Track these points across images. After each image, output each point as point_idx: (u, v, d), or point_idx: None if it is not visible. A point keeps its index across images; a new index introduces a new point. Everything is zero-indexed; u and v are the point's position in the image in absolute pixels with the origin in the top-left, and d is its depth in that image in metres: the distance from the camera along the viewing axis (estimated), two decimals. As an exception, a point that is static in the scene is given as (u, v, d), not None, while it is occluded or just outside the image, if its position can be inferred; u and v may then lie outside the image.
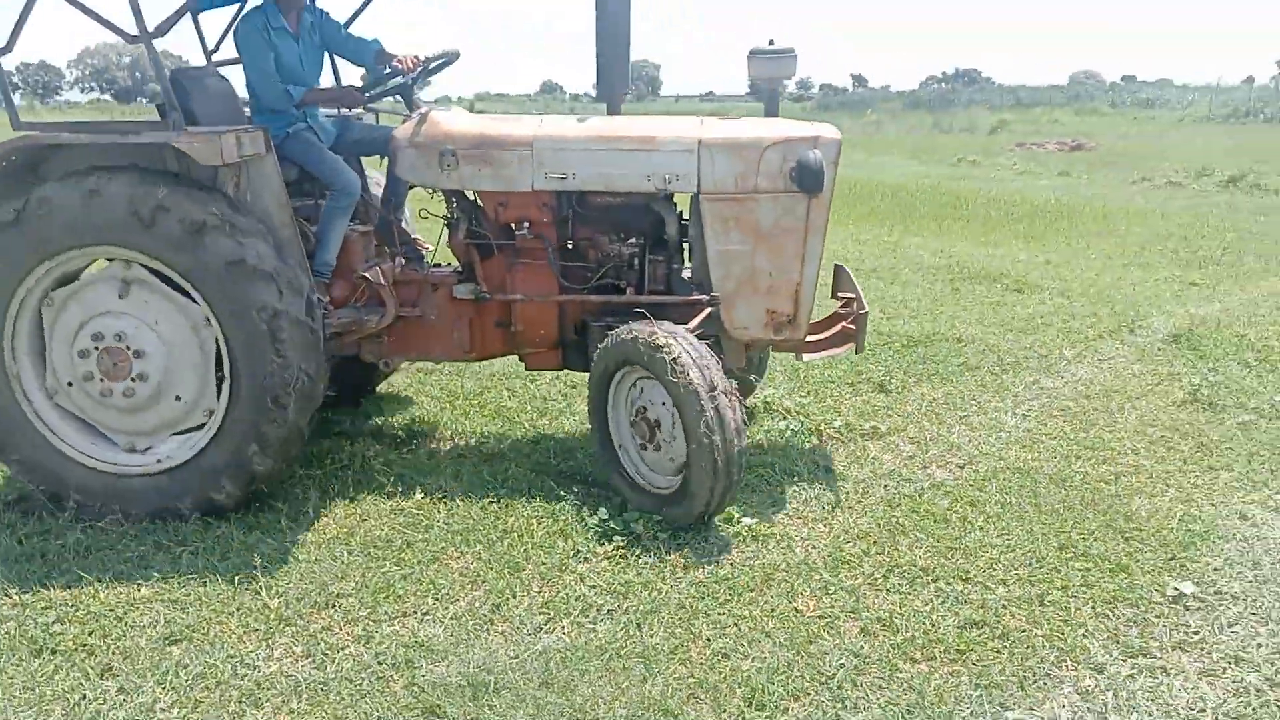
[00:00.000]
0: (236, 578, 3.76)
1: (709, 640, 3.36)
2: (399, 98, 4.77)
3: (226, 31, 5.38)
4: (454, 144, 4.50)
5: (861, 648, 3.30)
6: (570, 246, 4.80)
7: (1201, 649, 3.31)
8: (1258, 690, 3.08)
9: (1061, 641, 3.33)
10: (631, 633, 3.40)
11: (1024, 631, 3.39)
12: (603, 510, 4.22)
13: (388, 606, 3.59)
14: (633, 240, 4.68)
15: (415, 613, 3.55)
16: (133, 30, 3.88)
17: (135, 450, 4.35)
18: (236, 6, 5.31)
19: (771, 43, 4.73)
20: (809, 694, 3.09)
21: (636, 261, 4.69)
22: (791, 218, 4.41)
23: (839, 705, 3.03)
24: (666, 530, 4.08)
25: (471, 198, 4.76)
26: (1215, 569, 3.81)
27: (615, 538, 4.02)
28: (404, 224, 5.25)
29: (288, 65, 4.67)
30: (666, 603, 3.57)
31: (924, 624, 3.43)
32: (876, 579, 3.75)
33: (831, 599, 3.61)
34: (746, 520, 4.18)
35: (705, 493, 3.93)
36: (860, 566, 3.85)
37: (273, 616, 3.53)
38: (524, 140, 4.47)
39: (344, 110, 5.29)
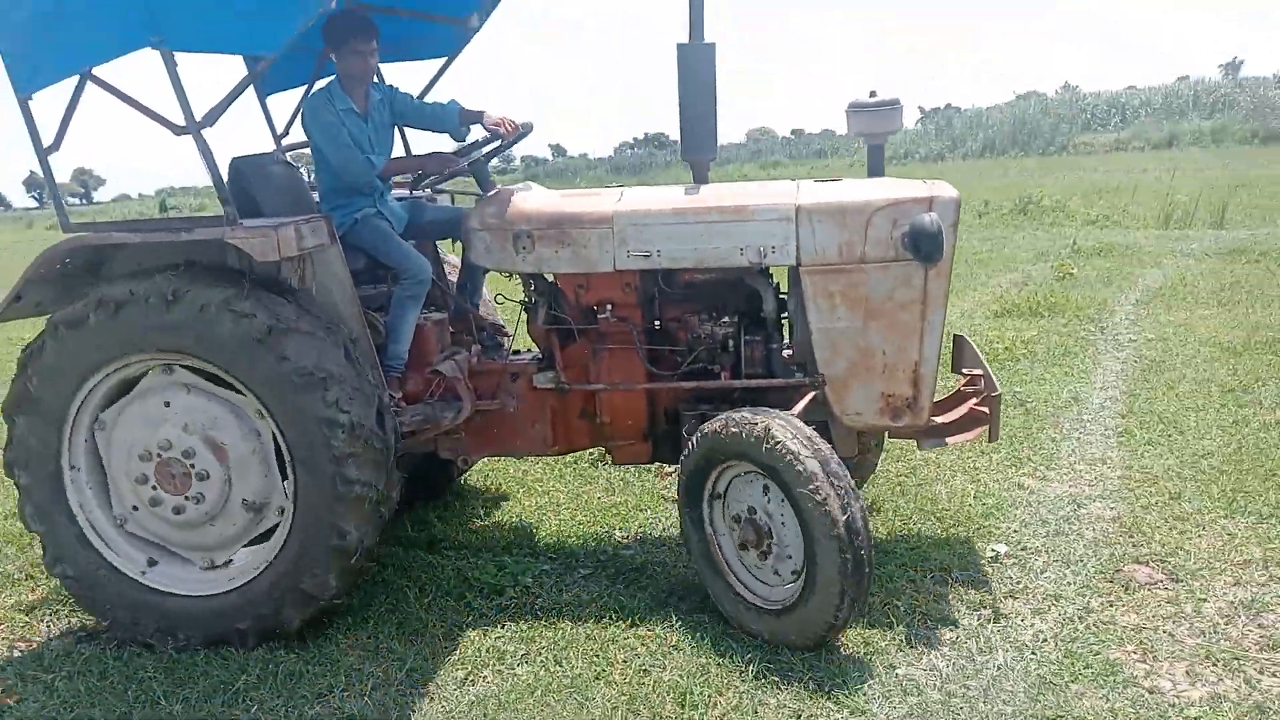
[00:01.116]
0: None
1: (626, 661, 3.66)
2: (472, 177, 4.44)
3: (293, 118, 5.19)
4: (529, 224, 4.14)
5: (766, 643, 3.68)
6: (658, 328, 4.38)
7: (1027, 594, 4.04)
8: (1080, 617, 3.82)
9: (921, 607, 3.94)
10: (552, 669, 3.65)
11: (887, 603, 3.95)
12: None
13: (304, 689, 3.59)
14: (726, 319, 4.23)
15: (331, 692, 3.58)
16: (180, 121, 3.64)
17: (215, 566, 4.04)
18: (302, 90, 5.12)
19: (873, 94, 4.27)
20: (731, 687, 3.45)
21: (731, 343, 4.22)
22: (907, 289, 3.90)
23: (760, 690, 3.42)
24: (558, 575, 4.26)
25: (550, 280, 4.39)
26: (1015, 531, 4.62)
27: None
28: (481, 310, 4.91)
29: (356, 146, 4.39)
30: (577, 638, 3.83)
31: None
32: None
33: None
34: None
35: (832, 604, 3.43)
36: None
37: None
38: (603, 217, 4.08)
39: (416, 192, 5.00)
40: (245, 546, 4.02)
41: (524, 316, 4.54)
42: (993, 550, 4.40)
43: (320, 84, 4.58)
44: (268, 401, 3.73)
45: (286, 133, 5.29)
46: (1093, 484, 5.10)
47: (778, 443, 3.46)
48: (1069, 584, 4.08)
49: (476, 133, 4.50)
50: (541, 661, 3.70)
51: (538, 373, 4.42)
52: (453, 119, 4.48)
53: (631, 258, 4.07)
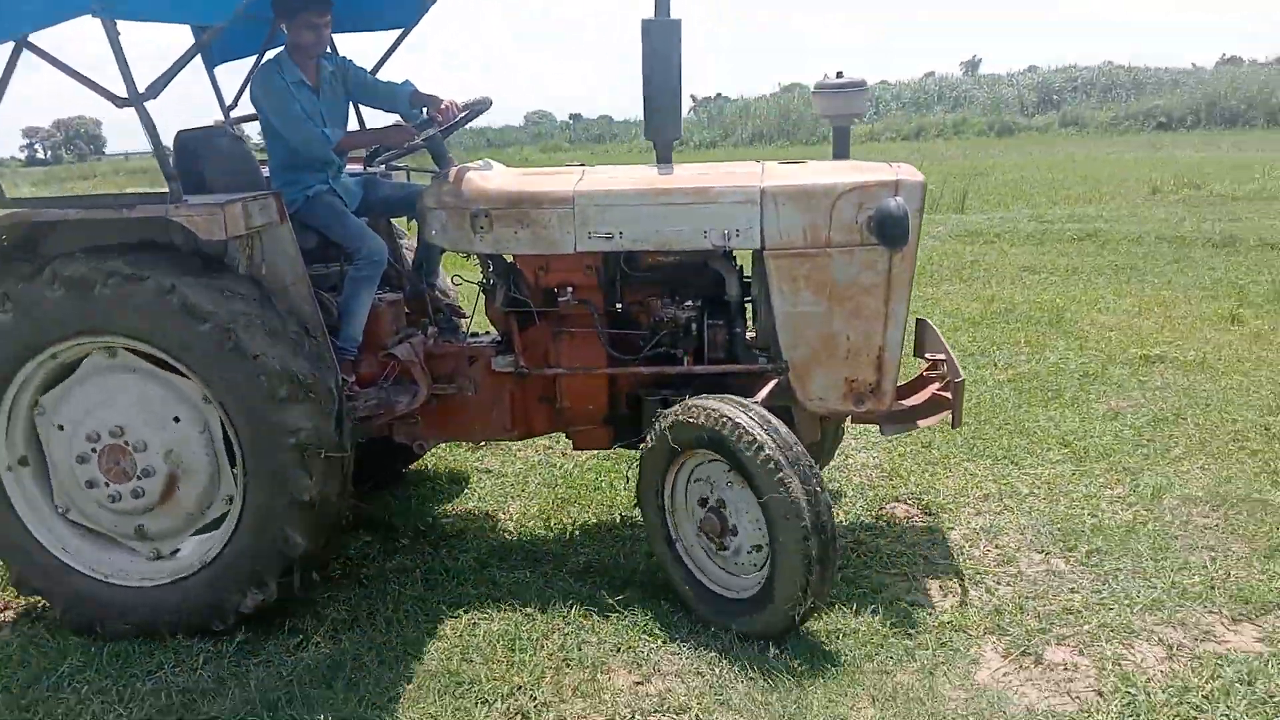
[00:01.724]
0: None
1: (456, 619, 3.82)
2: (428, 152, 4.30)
3: (242, 89, 5.01)
4: (487, 203, 4.02)
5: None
6: (619, 311, 4.29)
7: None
8: (851, 548, 3.60)
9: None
10: (384, 632, 3.76)
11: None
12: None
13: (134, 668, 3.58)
14: (689, 303, 4.15)
15: (161, 669, 3.58)
16: (122, 93, 3.47)
17: (162, 557, 3.91)
18: (252, 60, 4.94)
19: (839, 75, 4.20)
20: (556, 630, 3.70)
21: (694, 327, 4.15)
22: (871, 274, 3.85)
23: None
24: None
25: (509, 261, 4.29)
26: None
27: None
28: (438, 291, 4.79)
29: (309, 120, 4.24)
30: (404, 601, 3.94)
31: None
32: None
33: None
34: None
35: (793, 594, 3.39)
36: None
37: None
38: (564, 197, 3.97)
39: (371, 167, 4.86)
40: (193, 535, 3.90)
41: (482, 298, 4.43)
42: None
43: (270, 55, 4.42)
44: (218, 393, 3.59)
45: (235, 104, 5.11)
46: (857, 438, 5.58)
47: (740, 430, 3.40)
48: (841, 521, 4.56)
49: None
50: (373, 626, 3.82)
51: (496, 356, 4.32)
52: (404, 101, 4.34)
53: (593, 239, 3.98)
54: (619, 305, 4.28)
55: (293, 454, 3.56)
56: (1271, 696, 3.14)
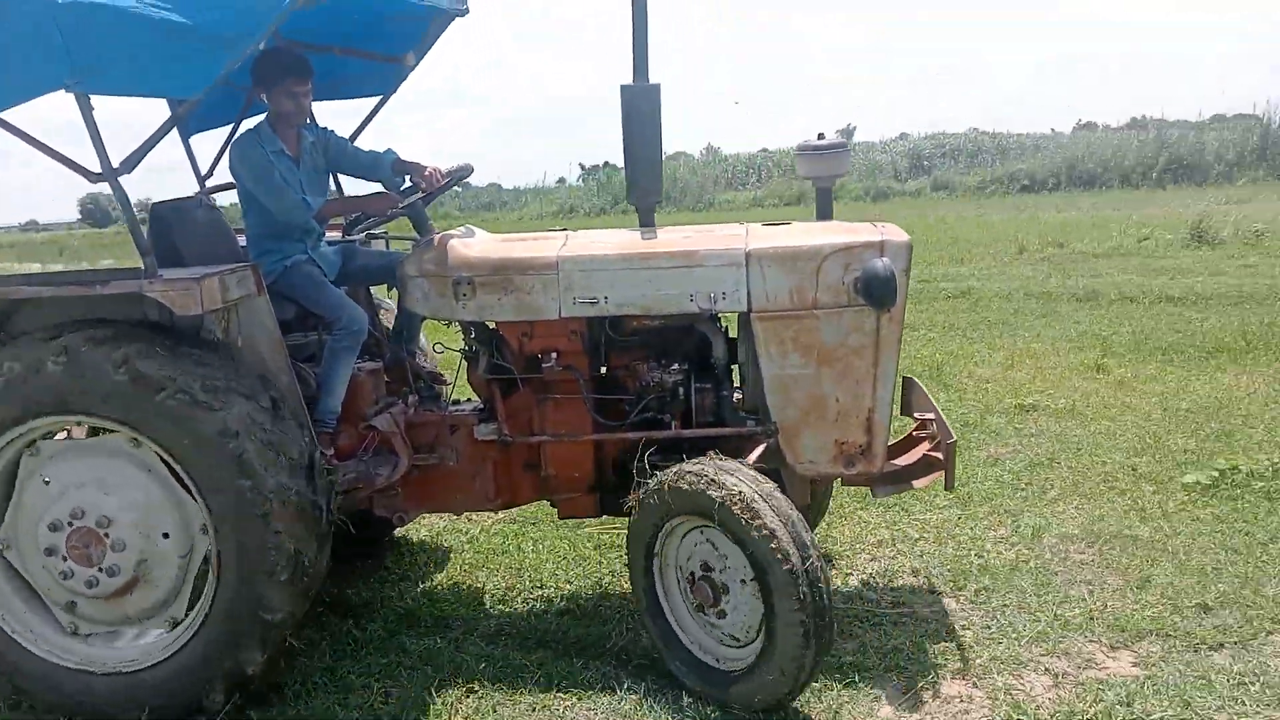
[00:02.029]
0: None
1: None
2: (409, 219, 4.26)
3: (218, 158, 4.97)
4: (470, 271, 3.96)
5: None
6: (604, 377, 4.23)
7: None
8: None
9: None
10: None
11: None
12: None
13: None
14: (675, 367, 4.09)
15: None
16: (95, 168, 3.41)
17: (78, 635, 3.76)
18: (228, 128, 4.90)
19: (821, 137, 4.21)
20: None
21: (681, 391, 4.09)
22: (859, 335, 3.82)
23: None
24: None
25: (491, 327, 4.23)
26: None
27: None
28: (418, 358, 4.72)
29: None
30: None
31: None
32: None
33: None
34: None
35: (794, 665, 3.29)
36: None
37: None
38: (548, 263, 3.93)
39: (349, 236, 4.80)
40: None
41: (464, 365, 4.36)
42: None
43: (248, 124, 4.39)
44: (188, 466, 3.48)
45: (210, 174, 5.07)
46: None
47: (732, 495, 3.33)
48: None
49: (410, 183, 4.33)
50: (282, 700, 3.76)
51: (479, 424, 4.23)
52: (386, 169, 4.31)
53: (578, 304, 3.92)
54: (604, 370, 4.22)
55: (267, 522, 3.44)
56: (1148, 715, 3.39)
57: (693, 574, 3.60)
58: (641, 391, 4.11)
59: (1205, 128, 33.18)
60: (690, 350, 4.15)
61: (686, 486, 3.45)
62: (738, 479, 3.39)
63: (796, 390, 3.89)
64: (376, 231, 4.71)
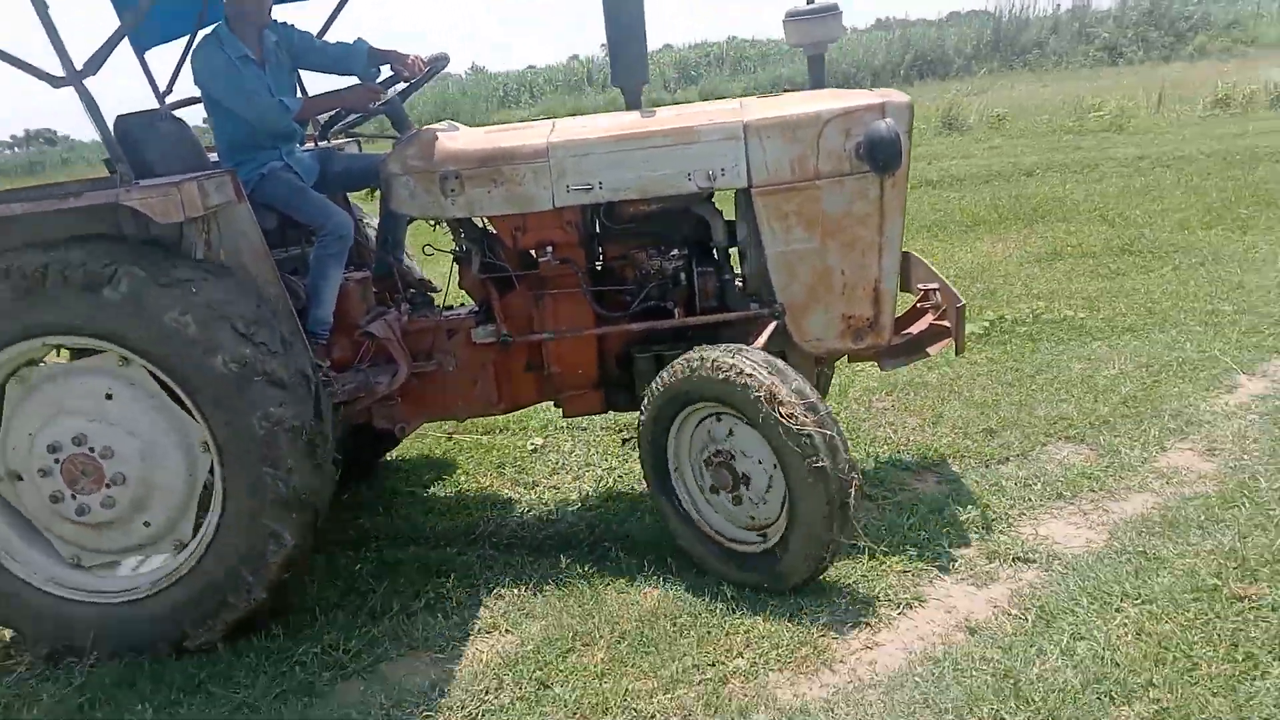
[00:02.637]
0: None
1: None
2: (386, 118, 4.08)
3: (177, 70, 4.73)
4: (457, 164, 3.81)
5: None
6: (602, 269, 4.12)
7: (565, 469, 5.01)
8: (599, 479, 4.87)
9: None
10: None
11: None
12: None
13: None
14: (675, 253, 3.98)
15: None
16: (59, 71, 3.21)
17: (81, 567, 3.66)
18: (185, 40, 4.66)
19: (810, 1, 4.05)
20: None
21: (683, 277, 3.99)
22: (863, 203, 3.72)
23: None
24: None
25: (482, 225, 4.09)
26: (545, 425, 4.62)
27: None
28: (405, 264, 4.57)
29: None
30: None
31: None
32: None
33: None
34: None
35: (816, 547, 3.27)
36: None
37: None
38: (538, 150, 3.78)
39: (325, 140, 4.61)
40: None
41: (455, 269, 4.22)
42: (532, 444, 5.22)
43: (204, 32, 4.15)
44: (187, 386, 3.35)
45: (170, 89, 4.83)
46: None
47: (749, 378, 3.26)
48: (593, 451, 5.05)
49: (387, 74, 4.12)
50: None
51: (476, 327, 4.12)
52: (361, 59, 4.08)
53: (572, 192, 3.79)
54: (601, 262, 4.10)
55: (272, 445, 3.34)
56: (955, 519, 3.91)
57: (709, 459, 3.54)
58: (642, 281, 4.01)
59: (944, 25, 34.41)
60: (689, 235, 4.04)
61: (702, 373, 3.37)
62: (753, 362, 3.31)
63: (801, 266, 3.80)
64: (354, 131, 4.49)
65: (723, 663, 3.11)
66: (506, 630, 3.47)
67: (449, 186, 3.82)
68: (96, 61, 3.24)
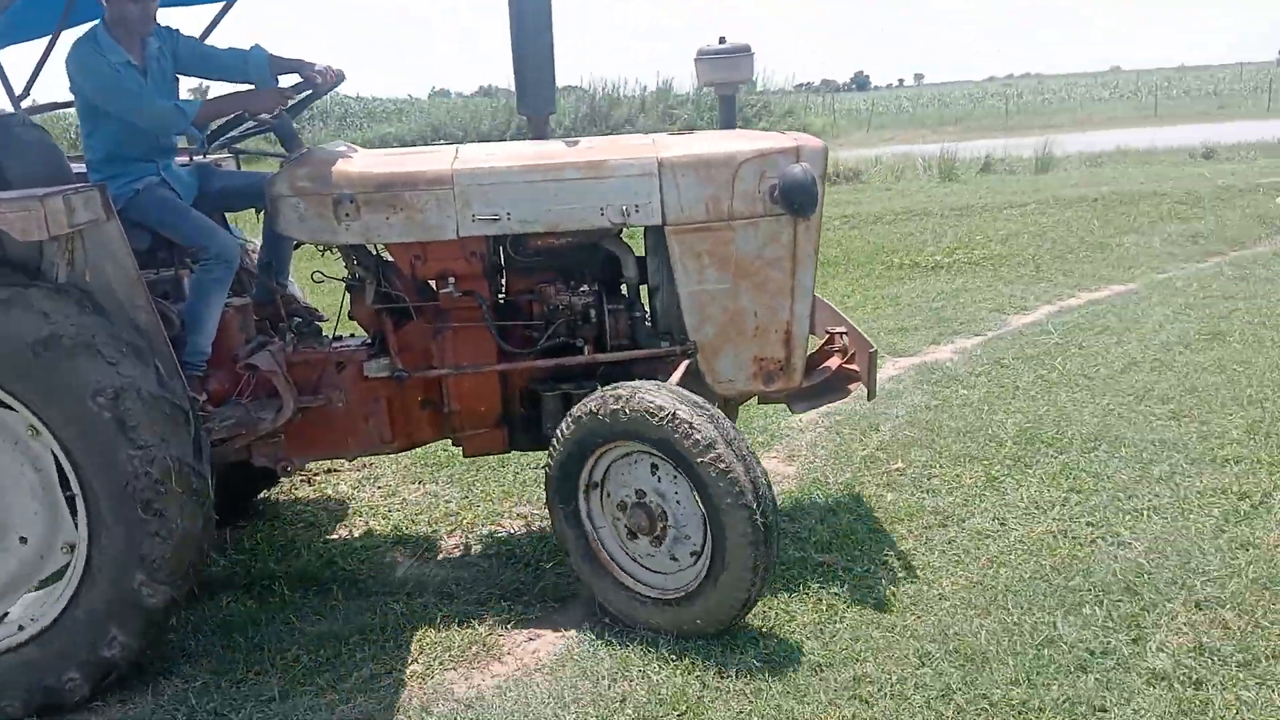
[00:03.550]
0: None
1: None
2: (272, 136, 3.80)
3: (36, 72, 4.32)
4: (352, 187, 3.58)
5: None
6: (506, 303, 3.94)
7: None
8: None
9: None
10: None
11: None
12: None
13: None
14: (584, 288, 3.85)
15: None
16: None
17: None
18: (44, 43, 4.26)
19: (722, 40, 4.01)
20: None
21: (592, 314, 3.85)
22: (776, 246, 3.68)
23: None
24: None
25: (374, 252, 3.86)
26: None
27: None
28: (289, 291, 4.28)
29: None
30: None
31: None
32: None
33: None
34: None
35: (744, 578, 3.17)
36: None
37: None
38: (441, 177, 3.59)
39: (202, 156, 4.28)
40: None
41: (347, 297, 3.97)
42: None
43: (73, 32, 3.78)
44: (52, 425, 3.02)
45: (26, 93, 4.41)
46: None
47: (669, 414, 3.14)
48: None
49: (289, 83, 3.82)
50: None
51: (369, 360, 3.87)
52: (260, 68, 3.76)
53: (477, 222, 3.61)
54: (505, 295, 3.93)
55: (146, 486, 3.03)
56: None
57: (625, 501, 3.40)
58: (549, 316, 3.85)
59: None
60: (598, 270, 3.92)
61: (619, 412, 3.23)
62: (674, 399, 3.20)
63: (714, 306, 3.73)
64: (237, 146, 4.15)
65: (399, 670, 3.29)
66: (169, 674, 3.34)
67: (343, 211, 3.59)
68: None
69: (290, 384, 3.76)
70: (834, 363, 4.09)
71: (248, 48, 3.82)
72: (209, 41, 4.03)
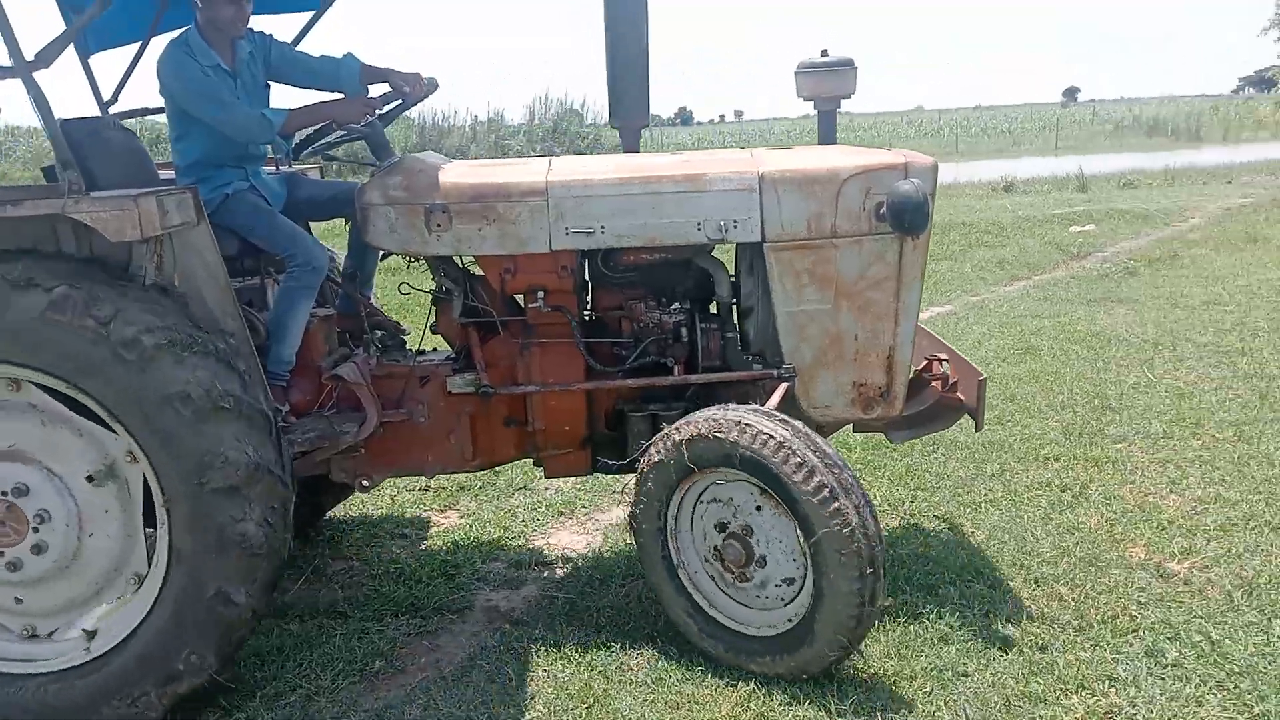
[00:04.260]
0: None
1: None
2: (364, 142, 3.72)
3: (126, 77, 4.31)
4: (445, 198, 3.49)
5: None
6: (595, 319, 3.82)
7: None
8: None
9: None
10: None
11: None
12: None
13: None
14: (676, 306, 3.72)
15: None
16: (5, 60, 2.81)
17: (36, 636, 3.17)
18: (136, 47, 4.26)
19: (825, 53, 3.88)
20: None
21: (684, 332, 3.71)
22: (881, 265, 3.52)
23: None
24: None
25: (460, 264, 3.76)
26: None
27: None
28: (373, 302, 4.19)
29: None
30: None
31: None
32: None
33: None
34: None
35: (839, 636, 3.00)
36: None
37: None
38: (536, 188, 3.49)
39: (287, 166, 4.22)
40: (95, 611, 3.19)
41: (432, 310, 3.87)
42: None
43: (166, 38, 3.75)
44: (135, 432, 2.94)
45: (115, 99, 4.40)
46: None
47: (775, 443, 2.98)
48: None
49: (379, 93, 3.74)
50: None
51: (453, 375, 3.77)
52: (352, 76, 3.69)
53: (571, 235, 3.50)
54: (593, 311, 3.81)
55: (229, 489, 2.94)
56: None
57: (720, 528, 3.24)
58: (639, 334, 3.72)
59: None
60: (689, 288, 3.78)
61: (717, 436, 3.08)
62: (776, 425, 3.05)
63: (812, 328, 3.57)
64: (332, 155, 4.07)
65: (304, 686, 3.29)
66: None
67: (435, 221, 3.49)
68: (51, 53, 2.87)
69: (374, 397, 3.67)
70: (934, 389, 3.90)
71: (341, 56, 3.75)
72: (301, 48, 3.97)
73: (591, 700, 3.12)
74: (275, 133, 3.51)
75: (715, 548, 3.27)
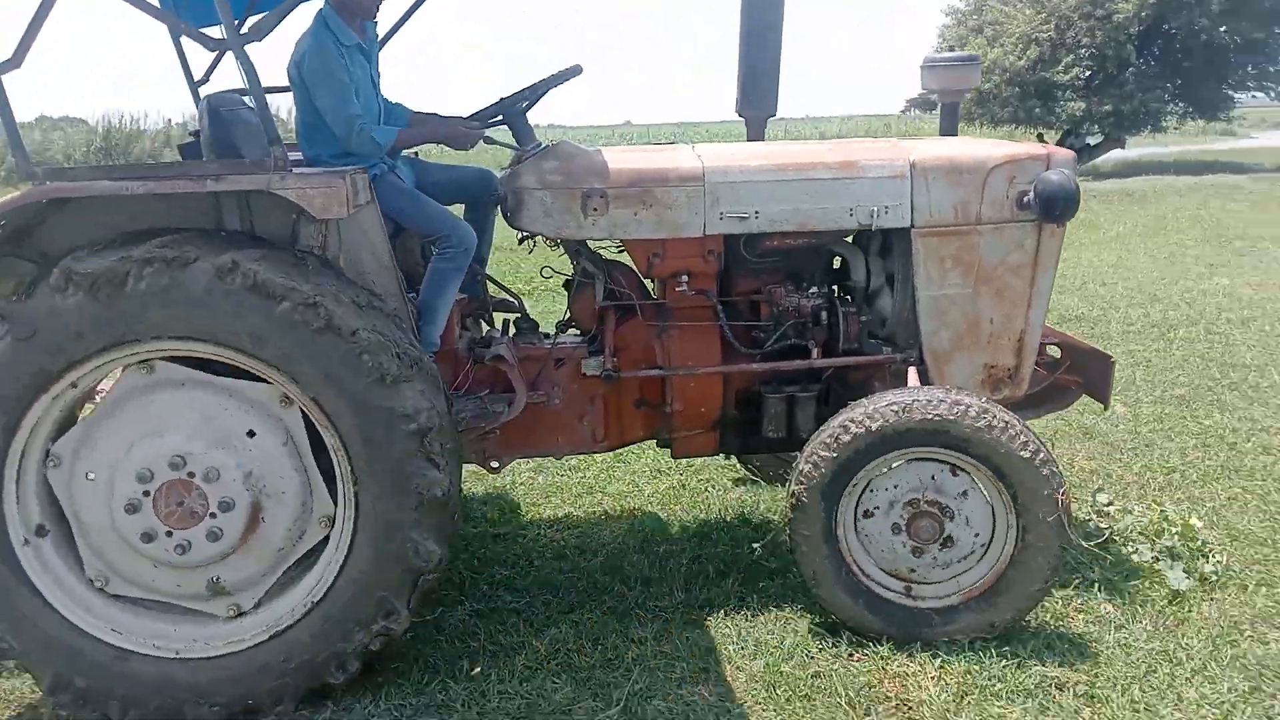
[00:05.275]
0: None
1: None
2: (509, 128, 3.74)
3: (216, 62, 4.20)
4: (602, 182, 3.52)
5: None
6: (733, 303, 3.88)
7: None
8: None
9: None
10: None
11: None
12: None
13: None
14: (814, 290, 3.80)
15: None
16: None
17: (245, 613, 3.12)
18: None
19: (951, 48, 4.00)
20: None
21: (824, 315, 3.79)
22: (1019, 252, 3.66)
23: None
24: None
25: (594, 249, 3.80)
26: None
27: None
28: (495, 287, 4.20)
29: (364, 96, 3.56)
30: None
31: None
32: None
33: None
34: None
35: (1036, 589, 3.28)
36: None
37: None
38: (693, 174, 3.54)
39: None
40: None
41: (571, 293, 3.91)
42: None
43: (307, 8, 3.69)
44: (310, 387, 2.91)
45: (206, 80, 4.30)
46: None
47: (985, 421, 3.16)
48: None
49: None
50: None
51: (587, 357, 3.80)
52: (400, 122, 3.79)
53: (725, 220, 3.56)
54: (732, 295, 3.88)
55: (414, 442, 2.94)
56: None
57: (913, 503, 3.29)
58: (778, 318, 3.80)
59: (49, 128, 32.60)
60: (826, 273, 3.89)
61: (918, 415, 3.19)
62: (978, 402, 3.22)
63: (953, 312, 3.69)
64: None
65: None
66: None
67: (591, 205, 3.52)
68: (265, 27, 2.83)
69: (523, 378, 3.68)
70: (1053, 368, 4.06)
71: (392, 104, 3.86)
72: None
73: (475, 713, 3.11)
74: (383, 153, 3.51)
75: (902, 526, 3.31)
